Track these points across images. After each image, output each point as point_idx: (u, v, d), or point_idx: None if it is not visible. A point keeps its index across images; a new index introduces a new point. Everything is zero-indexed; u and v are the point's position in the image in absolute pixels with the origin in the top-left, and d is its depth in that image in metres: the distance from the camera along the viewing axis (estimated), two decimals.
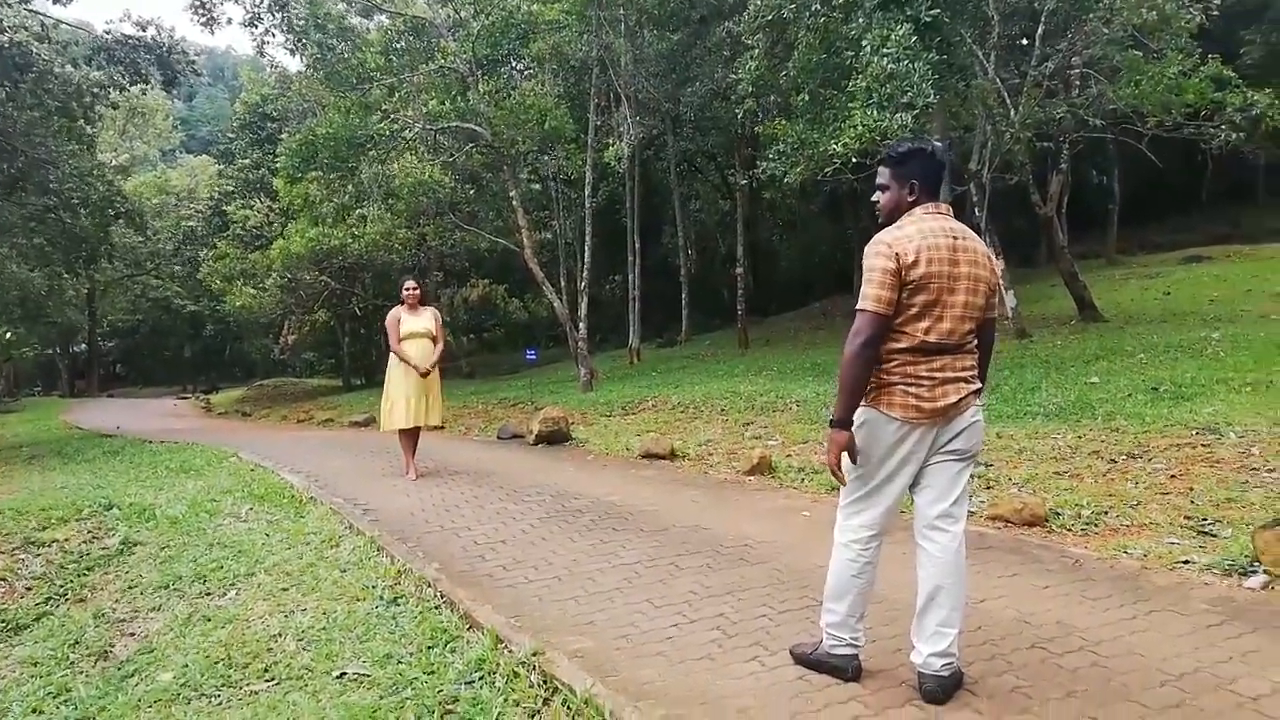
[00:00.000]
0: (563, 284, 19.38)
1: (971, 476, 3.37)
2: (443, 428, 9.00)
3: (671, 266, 25.71)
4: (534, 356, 17.01)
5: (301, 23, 14.89)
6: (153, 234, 30.96)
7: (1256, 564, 3.95)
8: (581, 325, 15.87)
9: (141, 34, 15.94)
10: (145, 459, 10.88)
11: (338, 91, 15.75)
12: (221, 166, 32.03)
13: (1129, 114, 13.55)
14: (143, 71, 16.05)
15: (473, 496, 6.64)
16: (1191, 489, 5.37)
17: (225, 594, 4.74)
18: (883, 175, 2.97)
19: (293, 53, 15.68)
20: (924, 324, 2.72)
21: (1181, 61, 12.93)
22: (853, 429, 2.82)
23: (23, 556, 5.72)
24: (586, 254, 16.25)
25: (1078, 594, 3.77)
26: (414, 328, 7.49)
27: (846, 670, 2.92)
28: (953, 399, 2.74)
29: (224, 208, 27.85)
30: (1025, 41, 14.06)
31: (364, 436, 12.61)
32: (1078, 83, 14.35)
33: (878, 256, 2.74)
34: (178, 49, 16.20)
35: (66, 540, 5.95)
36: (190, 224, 32.91)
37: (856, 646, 2.93)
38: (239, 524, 6.14)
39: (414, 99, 16.93)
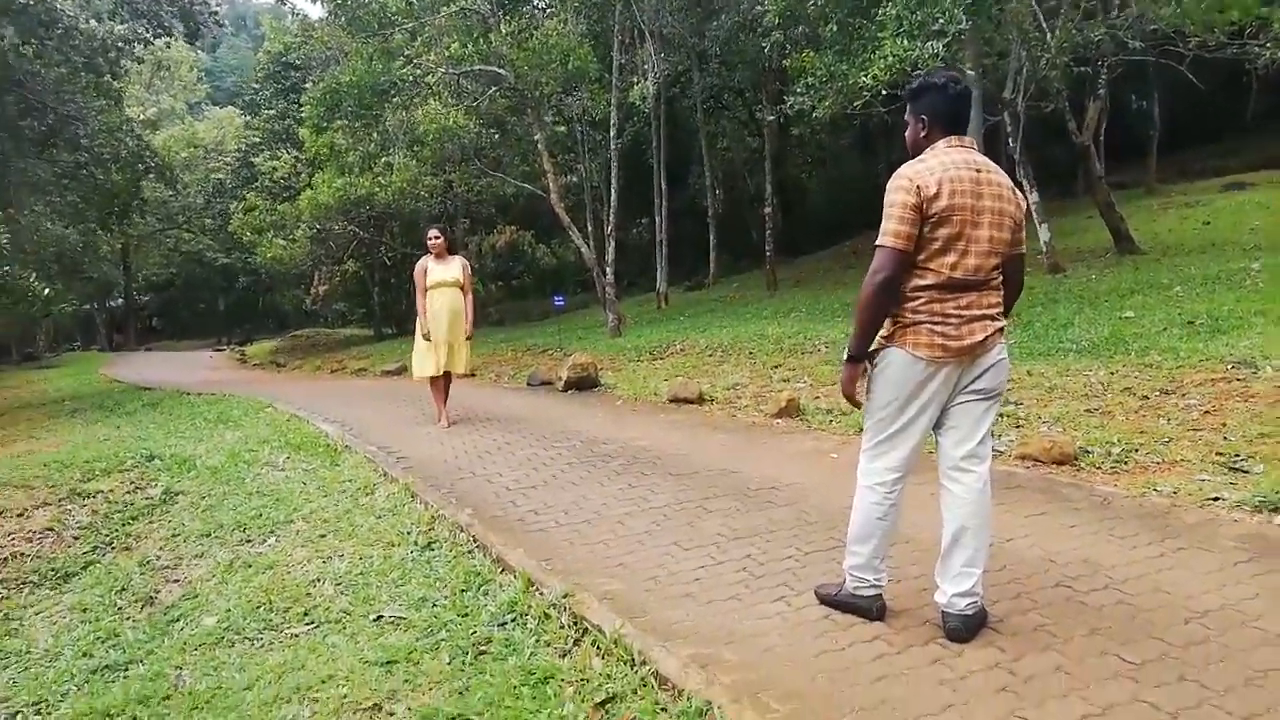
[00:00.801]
0: (589, 228, 19.26)
1: (998, 415, 3.36)
2: (473, 375, 9.07)
3: (699, 207, 25.44)
4: (562, 303, 17.04)
5: None
6: (183, 188, 31.19)
7: None
8: (609, 270, 15.82)
9: None
10: (184, 411, 11.12)
11: (360, 38, 15.61)
12: (248, 118, 32.04)
13: (1170, 34, 13.08)
14: (166, 24, 16.01)
15: (504, 443, 6.73)
16: (1224, 425, 5.31)
17: (265, 541, 4.88)
18: (907, 110, 2.93)
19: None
20: (949, 259, 2.69)
21: None
22: (877, 369, 2.82)
23: (70, 507, 5.90)
24: (613, 197, 16.12)
25: (1105, 532, 3.76)
26: (442, 277, 7.49)
27: (871, 610, 2.95)
28: (979, 337, 2.72)
29: (252, 159, 27.96)
30: None
31: (396, 385, 12.77)
32: (1116, 3, 13.84)
33: (897, 190, 2.71)
34: (199, 0, 16.12)
35: (111, 491, 6.13)
36: (219, 177, 33.09)
37: (880, 587, 2.97)
38: (276, 473, 6.29)
39: (436, 43, 16.71)
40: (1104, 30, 13.24)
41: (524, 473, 5.66)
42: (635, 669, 2.73)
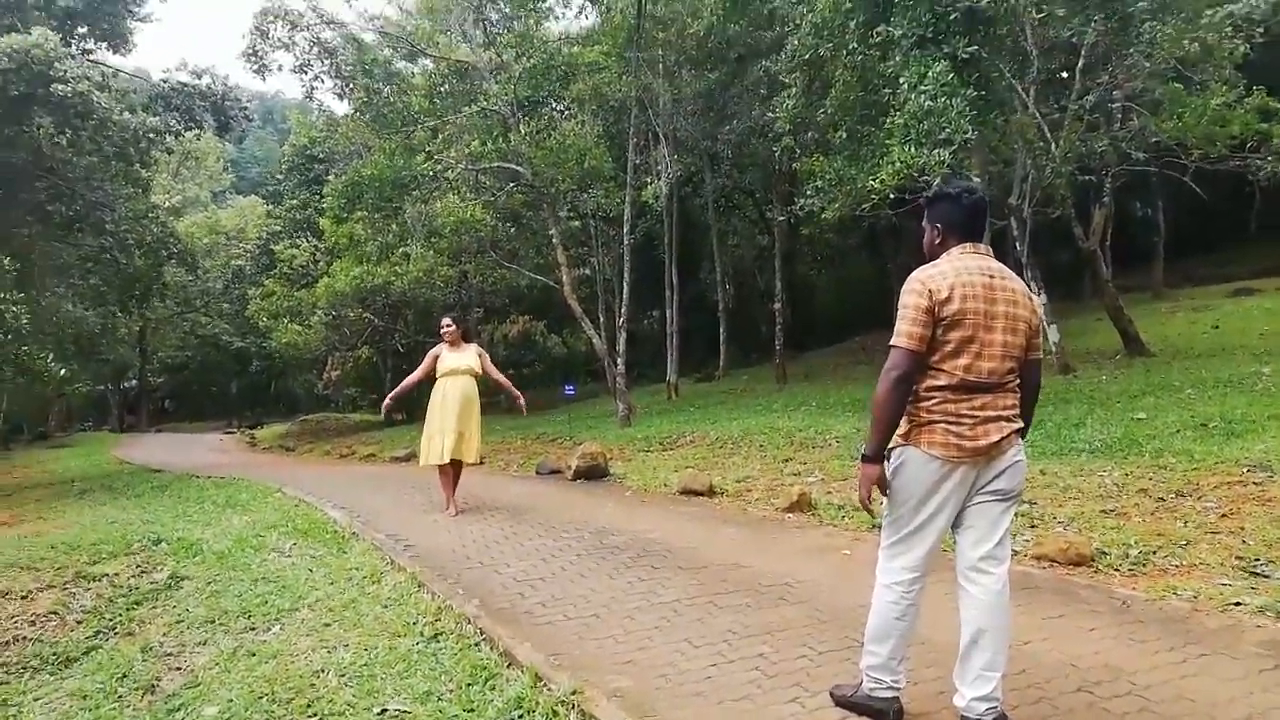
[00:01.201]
0: (601, 319, 19.49)
1: (1015, 515, 3.34)
2: (482, 463, 9.06)
3: (709, 302, 25.76)
4: (572, 391, 17.11)
5: (349, 68, 15.32)
6: (203, 273, 31.76)
7: None
8: (620, 360, 15.94)
9: (197, 82, 16.53)
10: (192, 494, 11.09)
11: (383, 134, 16.14)
12: (270, 207, 32.83)
13: (1172, 146, 13.42)
14: (198, 117, 16.61)
15: (512, 533, 6.68)
16: (1242, 528, 5.25)
17: (269, 629, 4.81)
18: (924, 218, 3.03)
19: (340, 97, 16.16)
20: (962, 361, 2.73)
21: (1225, 93, 12.80)
22: (893, 468, 2.83)
23: (74, 590, 5.85)
24: (625, 290, 16.37)
25: (1125, 636, 3.70)
26: (455, 365, 7.56)
27: (888, 713, 2.89)
28: (994, 438, 2.73)
29: (272, 247, 28.53)
30: (1065, 75, 14.01)
31: (405, 472, 12.73)
32: (1119, 116, 14.24)
33: (911, 293, 2.78)
34: (231, 96, 16.76)
35: (116, 574, 6.08)
36: (239, 263, 33.73)
37: (897, 689, 2.91)
38: (283, 559, 6.23)
39: (456, 140, 17.26)
40: (1107, 142, 13.60)
41: (532, 564, 5.60)
42: None
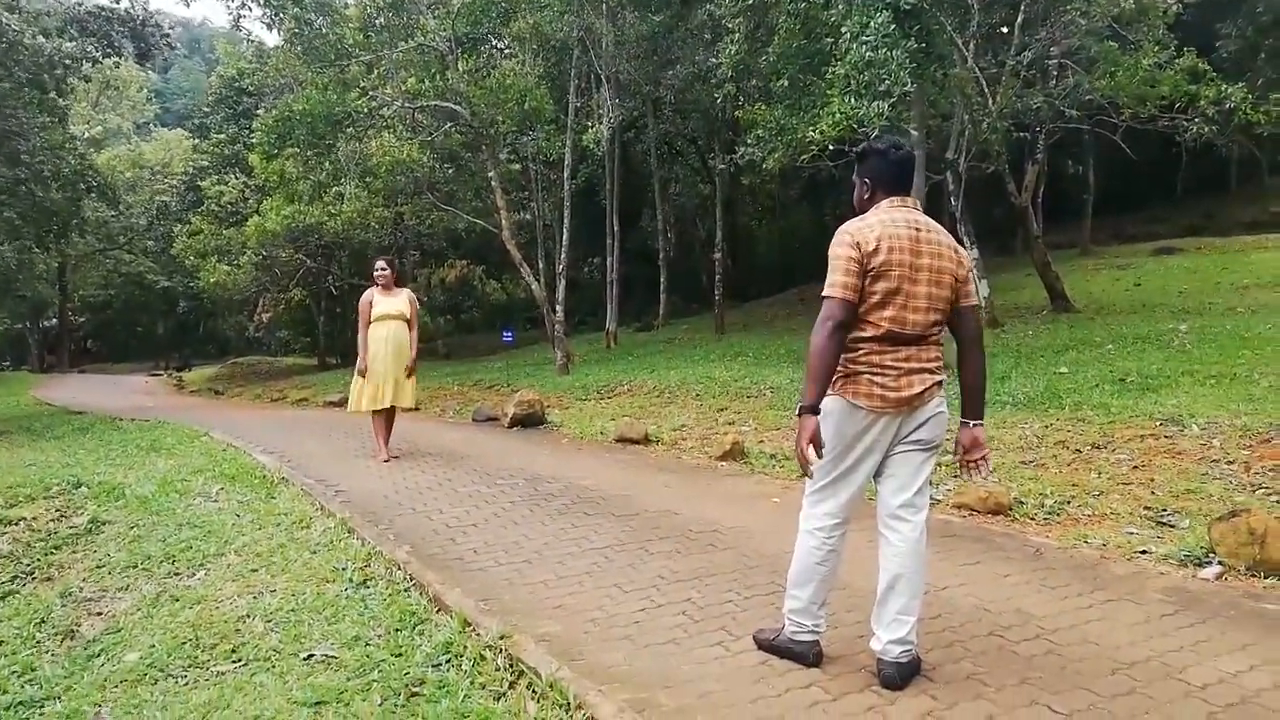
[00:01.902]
0: (541, 266, 19.31)
1: (936, 465, 3.43)
2: (417, 409, 8.98)
3: (650, 250, 25.70)
4: (510, 338, 17.04)
5: None
6: (126, 208, 30.48)
7: (1212, 555, 4.05)
8: (559, 308, 15.84)
9: (115, 6, 15.66)
10: (115, 437, 10.78)
11: (315, 67, 15.55)
12: (197, 141, 31.56)
13: (1105, 105, 13.67)
14: (116, 44, 15.77)
15: (445, 479, 6.65)
16: (1153, 480, 5.48)
17: (194, 574, 4.73)
18: (854, 173, 3.04)
19: (270, 27, 15.46)
20: (887, 312, 2.76)
21: (1157, 54, 13.04)
22: (819, 417, 2.86)
23: None
24: (565, 236, 16.20)
25: (1037, 582, 3.85)
26: (387, 309, 7.43)
27: (808, 656, 2.97)
28: (917, 389, 2.78)
29: (199, 183, 27.50)
30: (1004, 30, 14.12)
31: (338, 417, 12.55)
32: (1055, 73, 14.44)
33: (840, 245, 2.80)
34: (152, 21, 15.93)
35: (34, 519, 5.91)
36: (164, 199, 32.43)
37: (818, 633, 2.99)
38: (209, 504, 6.12)
39: (392, 76, 16.75)
40: (1042, 99, 13.80)
41: (465, 510, 5.59)
42: (570, 713, 2.70)
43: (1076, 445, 6.45)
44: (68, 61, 15.67)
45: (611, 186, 19.98)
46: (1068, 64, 13.88)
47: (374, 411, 7.55)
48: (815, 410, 2.77)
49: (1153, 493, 5.24)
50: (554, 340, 15.88)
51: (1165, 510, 4.88)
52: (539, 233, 19.69)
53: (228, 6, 15.05)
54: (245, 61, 26.60)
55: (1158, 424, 6.63)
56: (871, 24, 9.14)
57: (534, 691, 2.90)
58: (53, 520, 5.92)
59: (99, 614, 4.55)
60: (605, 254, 20.74)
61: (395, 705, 2.97)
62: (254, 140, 18.29)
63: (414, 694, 3.05)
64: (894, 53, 9.04)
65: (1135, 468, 5.83)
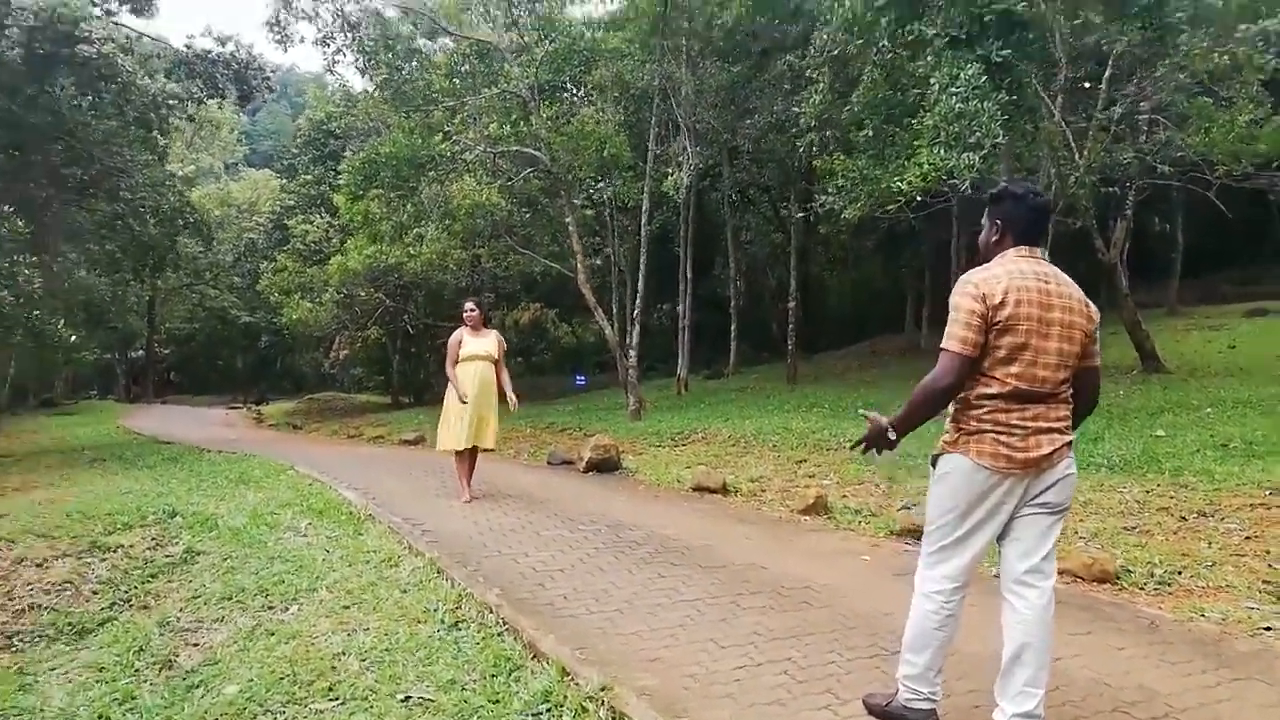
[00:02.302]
0: (615, 310, 19.45)
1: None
2: (492, 450, 9.03)
3: (720, 298, 25.69)
4: (584, 382, 17.12)
5: (372, 44, 15.23)
6: (214, 245, 31.70)
7: None
8: (632, 353, 15.90)
9: (221, 49, 16.44)
10: (204, 468, 11.08)
11: (402, 111, 16.06)
12: (284, 181, 32.76)
13: (1197, 161, 13.33)
14: (220, 86, 16.52)
15: (528, 522, 6.65)
16: (1268, 552, 5.21)
17: (287, 609, 4.78)
18: (984, 215, 2.96)
19: (362, 72, 16.07)
20: (1014, 369, 2.67)
21: (1252, 110, 12.71)
22: (939, 474, 2.80)
23: (90, 560, 5.83)
24: (640, 282, 16.31)
25: (1156, 656, 3.66)
26: (475, 350, 7.53)
27: None
28: (1046, 450, 2.68)
29: (285, 222, 28.47)
30: (1088, 85, 13.93)
31: (416, 455, 12.72)
32: (1145, 128, 14.16)
33: (963, 296, 2.72)
34: (255, 64, 16.67)
35: (131, 546, 6.06)
36: (251, 236, 33.63)
37: (934, 701, 2.87)
38: (298, 538, 6.21)
39: (475, 121, 17.20)
40: (1132, 154, 13.52)
41: (550, 554, 5.57)
42: None
43: (1181, 513, 6.18)
44: (172, 102, 16.43)
45: (686, 233, 20.10)
46: (1159, 119, 13.61)
47: (456, 452, 7.61)
48: (899, 438, 2.85)
49: (1270, 565, 4.97)
50: (626, 385, 15.91)
51: None
52: (613, 278, 19.86)
53: (323, 52, 15.68)
54: (333, 105, 27.62)
55: (1267, 493, 6.33)
56: (962, 75, 9.09)
57: None
58: (149, 548, 6.06)
59: (195, 645, 4.61)
60: (676, 300, 20.78)
61: None
62: (340, 181, 18.89)
63: None
64: (985, 104, 8.97)
65: (1248, 538, 5.56)
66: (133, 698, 4.00)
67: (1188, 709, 3.10)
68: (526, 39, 16.70)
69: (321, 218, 26.43)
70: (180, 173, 30.56)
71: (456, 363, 7.54)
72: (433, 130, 16.58)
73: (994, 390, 2.69)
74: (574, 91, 18.52)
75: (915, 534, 5.96)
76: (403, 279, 22.57)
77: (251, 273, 31.02)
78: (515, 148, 16.74)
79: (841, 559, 5.52)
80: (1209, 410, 10.12)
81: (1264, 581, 4.71)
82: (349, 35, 15.87)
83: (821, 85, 12.45)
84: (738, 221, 25.04)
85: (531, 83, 16.14)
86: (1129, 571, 4.95)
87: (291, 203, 29.37)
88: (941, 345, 2.74)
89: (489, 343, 7.64)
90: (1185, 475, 7.08)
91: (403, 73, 15.89)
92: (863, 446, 2.97)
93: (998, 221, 2.88)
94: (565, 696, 3.25)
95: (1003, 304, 2.65)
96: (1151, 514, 6.19)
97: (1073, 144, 12.59)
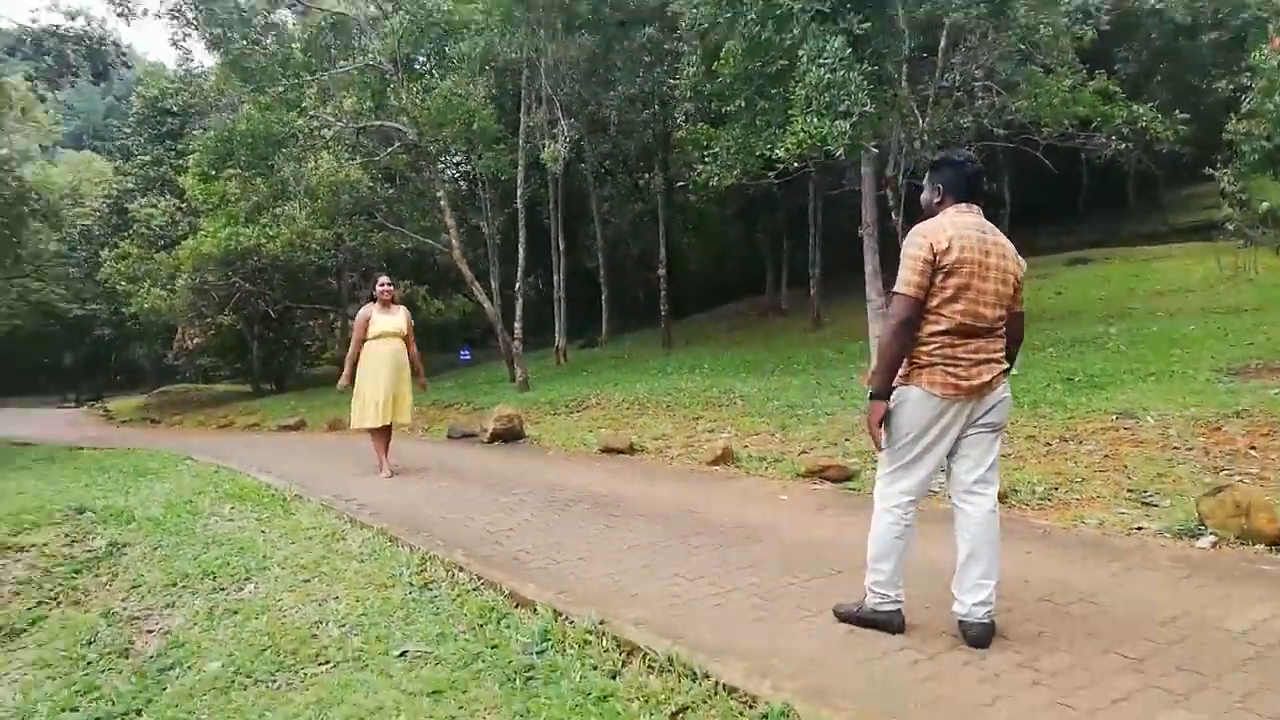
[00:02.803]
0: (494, 285, 19.35)
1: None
2: (407, 424, 9.03)
3: (588, 269, 25.94)
4: (468, 357, 17.04)
5: (227, 15, 14.47)
6: (32, 233, 29.22)
7: (1202, 527, 4.50)
8: (517, 325, 15.98)
9: (71, 23, 15.17)
10: (88, 464, 10.51)
11: (259, 87, 15.38)
12: (119, 163, 30.40)
13: (1026, 125, 14.54)
14: (72, 64, 15.28)
15: (458, 491, 6.79)
16: (1125, 466, 5.99)
17: (242, 588, 4.79)
18: (925, 178, 3.38)
19: (214, 46, 15.20)
20: (959, 306, 3.08)
21: (1073, 76, 13.97)
22: (895, 404, 3.19)
23: (2, 562, 5.58)
24: (521, 254, 16.36)
25: (1058, 557, 4.23)
26: (386, 327, 7.54)
27: (893, 624, 3.27)
28: (987, 378, 3.12)
29: (125, 206, 26.54)
30: (925, 56, 14.92)
31: (304, 439, 12.46)
32: (981, 95, 15.29)
33: (912, 245, 3.13)
34: (109, 40, 15.49)
35: (45, 544, 5.81)
36: (85, 223, 31.06)
37: (900, 602, 3.29)
38: (226, 523, 6.13)
39: (334, 96, 16.68)
40: (971, 118, 14.60)
41: (493, 517, 5.75)
42: (699, 682, 2.94)
43: (1046, 439, 6.95)
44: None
45: (556, 205, 20.19)
46: (993, 86, 14.73)
47: (372, 429, 7.62)
48: (884, 396, 3.14)
49: (1129, 477, 5.73)
50: (511, 358, 15.98)
51: (1146, 492, 5.37)
52: (492, 251, 19.72)
53: (170, 25, 14.65)
54: (167, 82, 25.93)
55: (1114, 418, 7.18)
56: (828, 47, 9.63)
57: (652, 667, 3.12)
58: (65, 545, 5.84)
59: (150, 631, 4.57)
60: (551, 272, 20.89)
61: (514, 689, 3.15)
62: (191, 162, 17.89)
63: (529, 678, 3.23)
64: (851, 74, 9.55)
65: (1106, 456, 6.35)
66: (95, 687, 3.96)
67: (1098, 593, 3.65)
68: (383, 9, 16.29)
69: (166, 200, 24.83)
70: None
71: (364, 340, 7.52)
72: (290, 106, 15.96)
73: (943, 326, 3.10)
74: (433, 64, 18.15)
75: (819, 474, 6.50)
76: (261, 261, 21.63)
77: (88, 261, 28.79)
78: (378, 123, 16.37)
79: (763, 501, 5.96)
80: (1050, 349, 11.23)
81: (1128, 491, 5.45)
82: (200, 9, 14.96)
83: (694, 58, 12.82)
84: (602, 192, 25.31)
85: (393, 55, 15.78)
86: (1015, 491, 5.59)
87: (130, 185, 27.37)
88: (894, 290, 3.14)
89: (399, 320, 7.68)
90: (1042, 407, 7.90)
91: (259, 47, 15.17)
92: (874, 437, 3.22)
93: (938, 185, 3.29)
94: (565, 634, 3.51)
95: (948, 250, 3.06)
96: (1021, 442, 6.93)
97: (916, 110, 13.49)
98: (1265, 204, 7.81)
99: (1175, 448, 6.26)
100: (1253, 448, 5.97)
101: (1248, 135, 7.76)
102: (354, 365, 7.54)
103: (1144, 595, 3.59)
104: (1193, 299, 14.61)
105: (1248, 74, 8.08)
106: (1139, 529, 4.70)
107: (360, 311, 7.70)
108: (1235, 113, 8.14)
